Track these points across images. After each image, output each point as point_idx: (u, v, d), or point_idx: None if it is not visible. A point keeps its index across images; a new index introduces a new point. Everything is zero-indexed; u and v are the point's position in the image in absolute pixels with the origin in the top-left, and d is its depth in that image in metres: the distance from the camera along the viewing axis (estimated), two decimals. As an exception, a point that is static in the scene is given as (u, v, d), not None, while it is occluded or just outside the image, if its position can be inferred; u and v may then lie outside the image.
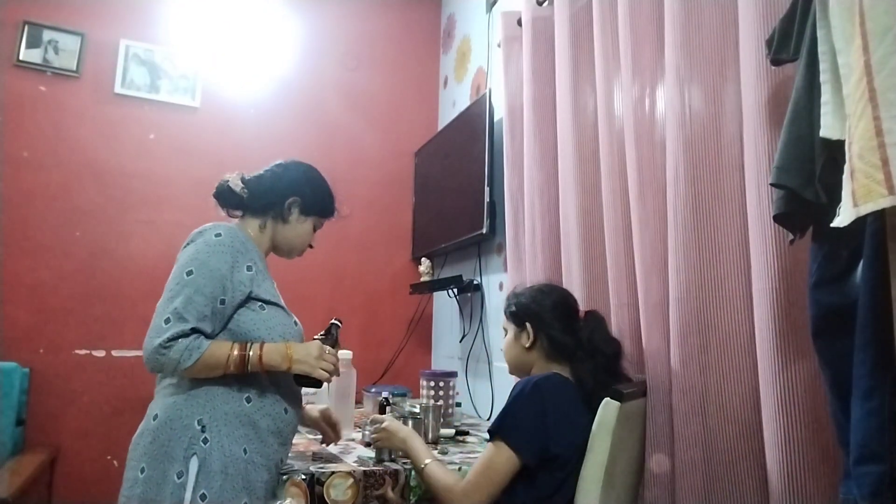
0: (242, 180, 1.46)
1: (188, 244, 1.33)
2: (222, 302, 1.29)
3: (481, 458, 1.31)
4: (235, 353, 1.27)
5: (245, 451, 1.26)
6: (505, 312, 1.52)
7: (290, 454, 1.58)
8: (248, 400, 1.30)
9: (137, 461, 1.23)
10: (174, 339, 1.21)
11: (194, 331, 1.23)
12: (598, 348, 1.40)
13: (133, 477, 1.22)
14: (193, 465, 1.20)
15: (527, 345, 1.44)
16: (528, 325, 1.44)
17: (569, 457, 1.30)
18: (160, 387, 1.32)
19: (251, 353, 1.27)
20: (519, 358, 1.47)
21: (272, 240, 1.48)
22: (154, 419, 1.25)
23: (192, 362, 1.21)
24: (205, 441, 1.23)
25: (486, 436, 1.70)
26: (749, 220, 1.20)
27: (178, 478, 1.19)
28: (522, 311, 1.46)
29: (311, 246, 1.56)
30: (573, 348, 1.41)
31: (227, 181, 1.46)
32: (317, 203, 1.52)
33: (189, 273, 1.26)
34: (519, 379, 1.43)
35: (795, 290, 1.11)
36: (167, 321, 1.22)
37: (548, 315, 1.44)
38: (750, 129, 1.19)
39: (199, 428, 1.23)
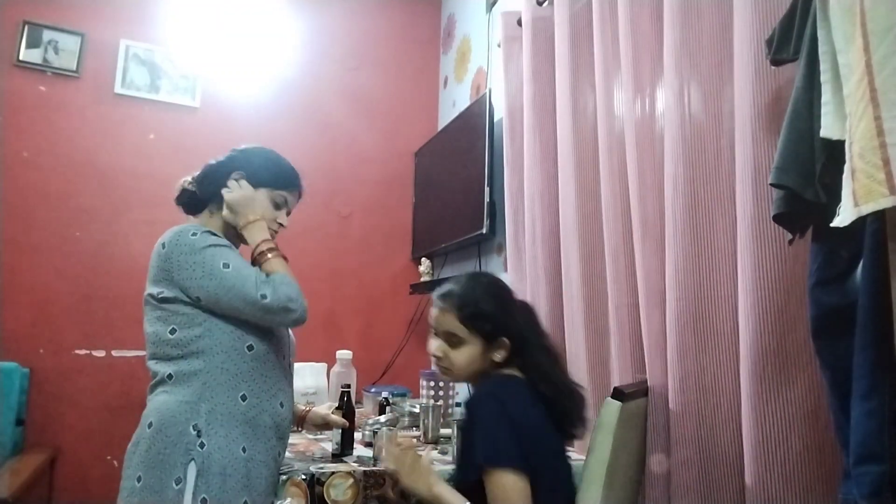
0: (192, 178, 1.45)
1: (166, 257, 1.28)
2: None
3: (496, 501, 1.14)
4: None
5: (244, 449, 1.25)
6: (464, 321, 1.28)
7: (291, 455, 1.58)
8: (244, 398, 1.28)
9: (134, 470, 1.21)
10: (274, 287, 1.26)
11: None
12: (542, 345, 1.31)
13: (130, 486, 1.21)
14: (191, 470, 1.19)
15: (499, 359, 1.28)
16: (505, 340, 1.27)
17: (550, 461, 1.21)
18: (152, 393, 1.30)
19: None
20: (479, 370, 1.30)
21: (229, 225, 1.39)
22: (149, 427, 1.23)
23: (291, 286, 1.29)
24: (201, 445, 1.21)
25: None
26: (747, 221, 1.20)
27: (177, 484, 1.18)
28: (498, 326, 1.27)
29: (281, 224, 1.42)
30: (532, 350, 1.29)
31: (181, 183, 1.46)
32: (265, 171, 1.40)
33: (226, 266, 1.26)
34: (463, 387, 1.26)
35: (791, 290, 1.12)
36: (263, 296, 1.24)
37: (525, 328, 1.30)
38: (747, 129, 1.19)
39: (194, 433, 1.21)
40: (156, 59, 2.77)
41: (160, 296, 1.27)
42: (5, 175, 2.48)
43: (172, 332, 1.26)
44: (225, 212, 1.37)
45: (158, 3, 2.81)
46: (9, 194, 2.48)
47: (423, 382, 2.17)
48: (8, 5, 2.55)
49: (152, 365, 1.30)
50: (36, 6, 2.60)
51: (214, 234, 1.32)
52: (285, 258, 1.36)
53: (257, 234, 1.35)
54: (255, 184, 1.39)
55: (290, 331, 1.46)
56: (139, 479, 1.20)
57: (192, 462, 1.20)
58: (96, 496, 2.40)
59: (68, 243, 2.56)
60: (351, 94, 3.15)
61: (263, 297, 1.24)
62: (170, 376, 1.26)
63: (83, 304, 2.54)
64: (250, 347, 1.29)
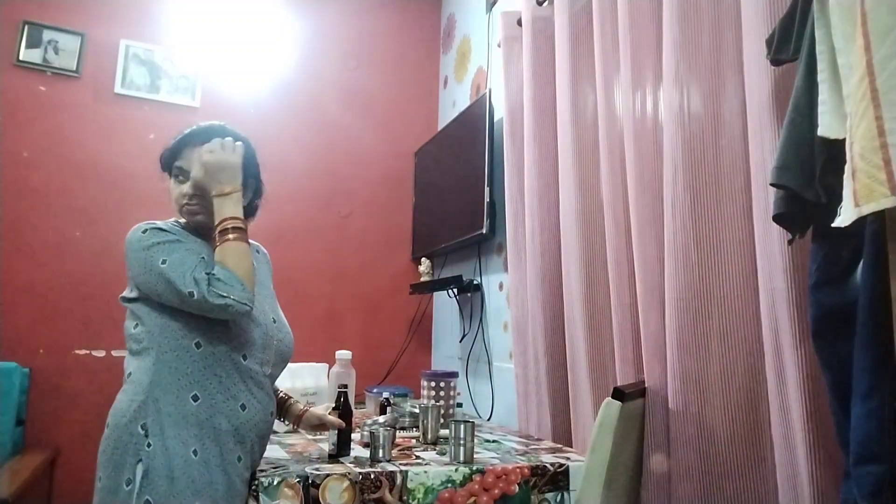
0: None
1: (125, 255, 1.29)
2: None
3: None
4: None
5: (195, 452, 1.21)
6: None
7: (287, 455, 1.57)
8: (196, 398, 1.23)
9: (98, 470, 1.22)
10: (201, 283, 1.18)
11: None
12: None
13: (97, 486, 1.21)
14: (139, 471, 1.17)
15: None
16: None
17: None
18: (119, 392, 1.30)
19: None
20: None
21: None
22: (108, 427, 1.24)
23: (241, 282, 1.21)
24: (148, 445, 1.19)
25: (488, 436, 1.69)
26: (746, 220, 1.20)
27: (127, 485, 1.17)
28: None
29: (186, 195, 1.37)
30: None
31: None
32: (164, 157, 1.45)
33: (164, 262, 1.22)
34: None
35: (795, 290, 1.11)
36: (191, 293, 1.17)
37: None
38: (753, 128, 1.19)
39: (142, 433, 1.20)
40: (156, 59, 2.77)
41: (128, 296, 1.31)
42: (5, 175, 2.48)
43: (135, 326, 1.29)
44: (188, 185, 1.35)
45: (158, 3, 2.81)
46: (9, 194, 2.48)
47: (424, 383, 2.17)
48: (8, 5, 2.55)
49: (125, 362, 1.32)
50: (36, 6, 2.60)
51: (164, 230, 1.29)
52: (246, 241, 1.28)
53: (227, 209, 1.28)
54: (168, 172, 1.42)
55: (274, 327, 1.38)
56: (100, 479, 1.21)
57: (140, 462, 1.18)
58: (96, 496, 2.41)
59: (68, 243, 2.56)
60: (351, 94, 3.15)
61: (191, 294, 1.18)
62: (129, 375, 1.27)
63: (83, 304, 2.55)
64: (198, 345, 1.25)
